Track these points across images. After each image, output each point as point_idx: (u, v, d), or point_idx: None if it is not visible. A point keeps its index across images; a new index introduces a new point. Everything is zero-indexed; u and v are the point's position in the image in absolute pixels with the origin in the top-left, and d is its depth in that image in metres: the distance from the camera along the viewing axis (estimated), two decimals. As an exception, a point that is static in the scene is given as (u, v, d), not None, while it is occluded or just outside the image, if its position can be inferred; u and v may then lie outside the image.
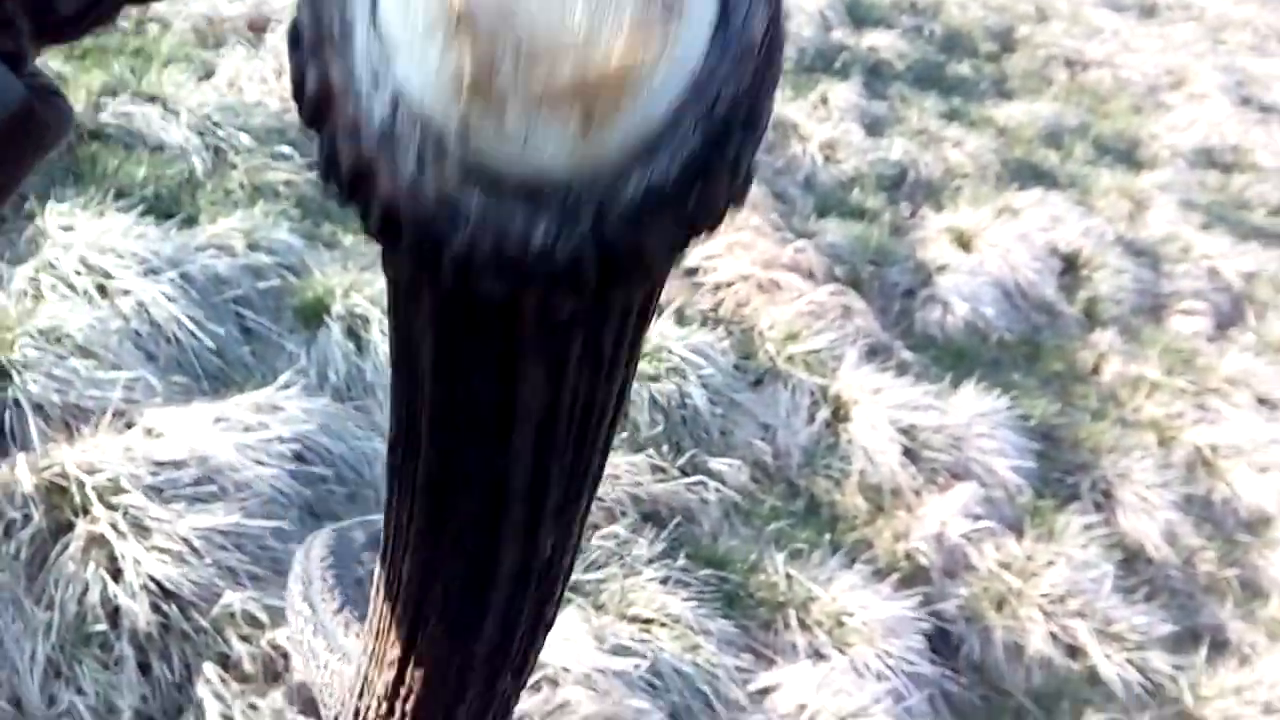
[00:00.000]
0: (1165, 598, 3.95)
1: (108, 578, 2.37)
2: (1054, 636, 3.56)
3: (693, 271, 4.30)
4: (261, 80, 4.08)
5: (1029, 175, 6.74)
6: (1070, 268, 5.92)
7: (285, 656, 2.37)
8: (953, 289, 5.06)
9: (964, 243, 5.44)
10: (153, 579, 2.37)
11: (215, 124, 3.82)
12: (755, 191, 4.69)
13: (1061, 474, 4.41)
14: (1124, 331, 5.63)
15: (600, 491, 2.72)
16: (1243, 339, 5.97)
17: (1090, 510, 4.21)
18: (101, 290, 2.88)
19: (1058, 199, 6.33)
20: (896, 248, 5.27)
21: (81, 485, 2.44)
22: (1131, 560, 4.10)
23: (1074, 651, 3.58)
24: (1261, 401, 5.38)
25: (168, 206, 3.43)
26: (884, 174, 5.88)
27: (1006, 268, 5.36)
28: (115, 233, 3.00)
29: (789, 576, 3.23)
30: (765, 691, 2.78)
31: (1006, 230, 5.58)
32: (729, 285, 4.23)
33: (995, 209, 5.84)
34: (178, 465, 2.57)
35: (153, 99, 3.82)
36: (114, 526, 2.41)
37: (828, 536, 3.54)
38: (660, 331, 3.70)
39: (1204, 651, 3.75)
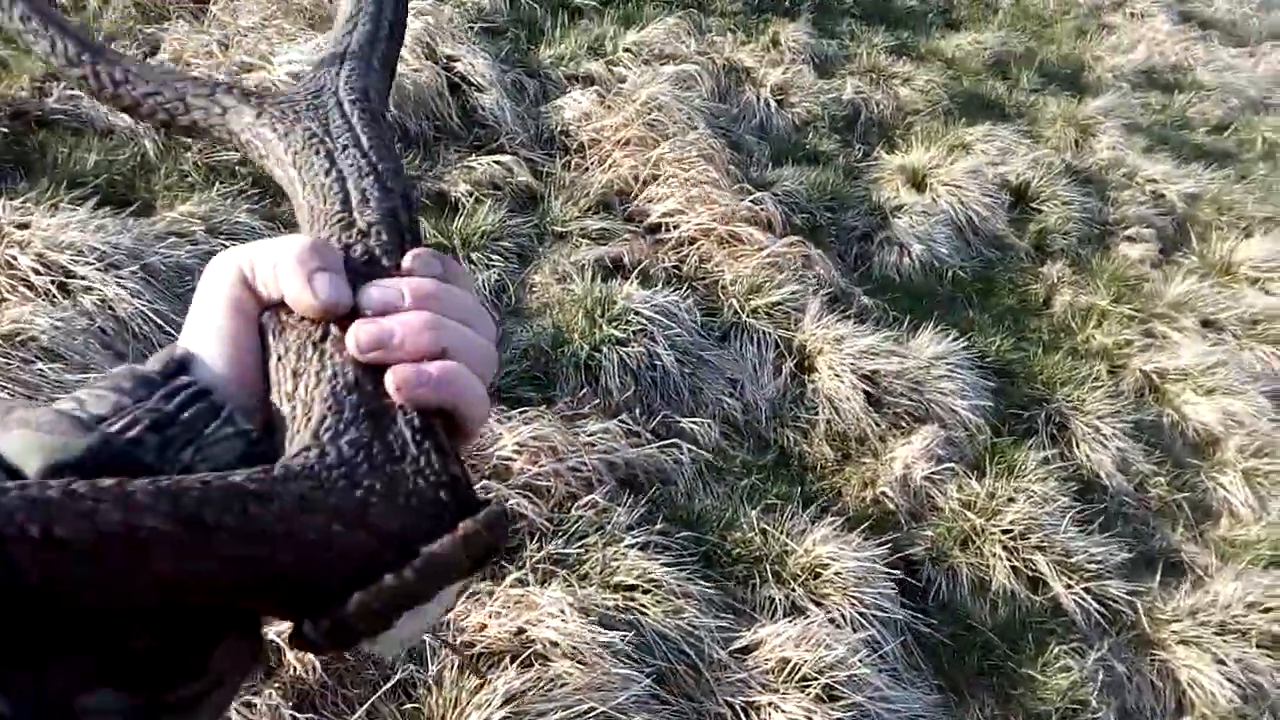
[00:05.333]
0: (1120, 525, 4.11)
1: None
2: (1016, 571, 3.70)
3: (655, 229, 4.30)
4: (207, 54, 3.95)
5: (978, 107, 6.78)
6: (1020, 200, 6.01)
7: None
8: (908, 230, 5.12)
9: (917, 182, 5.49)
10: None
11: (162, 102, 3.72)
12: (712, 142, 4.69)
13: (1018, 409, 4.54)
14: (1073, 262, 5.75)
15: (576, 461, 2.73)
16: (1187, 262, 6.13)
17: (1046, 444, 4.34)
18: (63, 288, 2.84)
19: (1006, 131, 6.40)
20: (852, 191, 5.30)
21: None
22: (1087, 490, 4.25)
23: (1035, 584, 3.71)
24: (1206, 324, 5.54)
25: (122, 194, 3.36)
26: (837, 115, 5.89)
27: (959, 205, 5.43)
28: (72, 227, 2.93)
29: (764, 531, 3.31)
30: (748, 650, 2.87)
31: (958, 167, 5.64)
32: (691, 242, 4.24)
33: (947, 145, 5.89)
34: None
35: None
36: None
37: (798, 488, 3.63)
38: (627, 294, 3.72)
39: (1159, 576, 3.92)
